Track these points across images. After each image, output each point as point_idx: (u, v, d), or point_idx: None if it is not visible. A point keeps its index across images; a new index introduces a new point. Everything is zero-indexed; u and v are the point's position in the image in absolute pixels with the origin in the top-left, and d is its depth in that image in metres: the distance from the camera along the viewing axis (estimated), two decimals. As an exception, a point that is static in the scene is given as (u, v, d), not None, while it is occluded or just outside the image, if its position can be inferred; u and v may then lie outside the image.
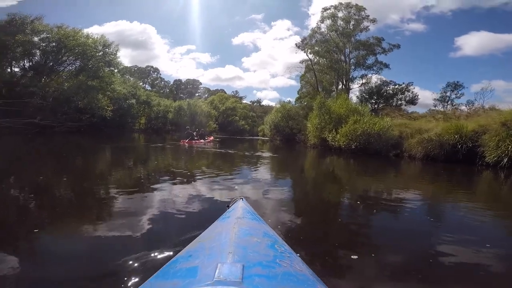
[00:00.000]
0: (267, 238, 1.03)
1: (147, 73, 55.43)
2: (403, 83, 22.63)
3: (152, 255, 1.92)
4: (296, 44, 24.68)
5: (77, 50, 19.63)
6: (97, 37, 21.05)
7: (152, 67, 56.48)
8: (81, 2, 61.87)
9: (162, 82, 58.29)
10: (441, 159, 9.53)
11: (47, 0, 53.11)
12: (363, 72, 23.65)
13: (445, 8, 46.61)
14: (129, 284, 1.56)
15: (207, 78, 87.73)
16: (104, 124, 23.04)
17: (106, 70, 21.73)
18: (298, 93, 34.32)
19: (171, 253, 1.86)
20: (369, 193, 5.13)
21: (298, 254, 1.22)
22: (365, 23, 23.16)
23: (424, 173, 8.40)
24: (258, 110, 59.87)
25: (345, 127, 12.42)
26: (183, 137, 14.86)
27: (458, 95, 23.84)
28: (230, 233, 0.97)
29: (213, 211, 3.01)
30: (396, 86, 22.28)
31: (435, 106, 23.38)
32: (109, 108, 20.78)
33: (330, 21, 23.55)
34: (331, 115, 14.14)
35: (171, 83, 60.00)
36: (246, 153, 12.20)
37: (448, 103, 22.81)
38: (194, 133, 15.36)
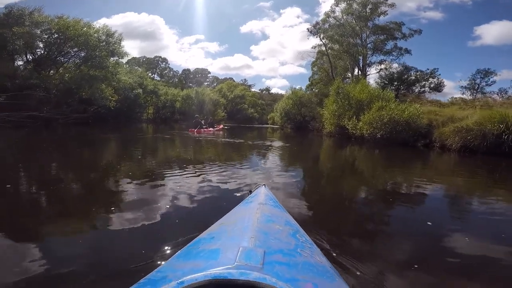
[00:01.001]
0: (289, 227, 1.03)
1: (156, 64, 55.06)
2: (428, 69, 20.94)
3: (175, 241, 1.90)
4: (308, 29, 23.42)
5: (79, 40, 18.78)
6: (99, 27, 20.11)
7: (160, 57, 56.05)
8: None
9: (171, 72, 57.77)
10: (482, 150, 8.37)
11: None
12: (381, 57, 22.15)
13: (466, -4, 43.15)
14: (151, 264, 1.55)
15: (216, 67, 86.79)
16: (112, 115, 22.59)
17: (110, 60, 20.93)
18: (309, 80, 33.03)
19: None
20: (400, 188, 4.48)
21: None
22: (383, 8, 21.52)
23: (461, 166, 7.36)
24: (267, 98, 59.29)
25: (368, 114, 11.24)
26: (191, 126, 14.47)
27: (489, 83, 22.13)
28: (252, 218, 0.96)
29: (230, 202, 2.78)
30: (418, 73, 20.61)
31: (462, 94, 21.71)
32: (114, 99, 20.02)
33: (345, 4, 22.05)
34: (350, 101, 12.92)
35: (180, 73, 59.39)
36: (257, 143, 11.35)
37: (478, 90, 21.08)
38: (203, 122, 14.91)
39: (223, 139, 11.55)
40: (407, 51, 21.64)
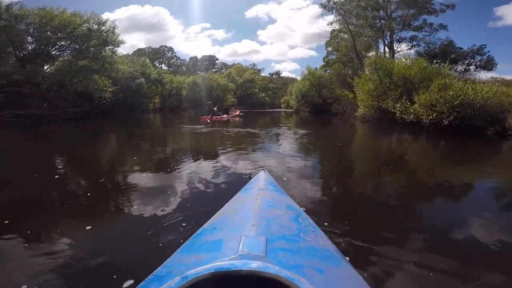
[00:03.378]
0: (291, 211, 1.00)
1: (162, 53, 53.29)
2: (474, 45, 17.48)
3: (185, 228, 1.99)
4: (322, 4, 20.23)
5: (67, 31, 16.78)
6: (88, 16, 17.86)
7: (166, 46, 54.25)
8: None
9: (179, 61, 55.76)
10: None
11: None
12: (412, 33, 18.93)
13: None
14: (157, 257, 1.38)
15: (224, 54, 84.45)
16: (117, 107, 21.33)
17: (106, 50, 18.95)
18: (323, 61, 29.90)
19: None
20: None
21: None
22: None
23: None
24: (278, 81, 57.13)
25: (427, 94, 8.56)
26: (204, 113, 13.21)
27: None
28: (253, 205, 0.94)
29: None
30: (463, 50, 17.30)
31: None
32: (110, 89, 18.11)
33: None
34: (393, 78, 10.26)
35: (188, 61, 56.97)
36: (277, 131, 9.05)
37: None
38: (215, 108, 13.71)
39: (240, 130, 9.25)
40: (443, 27, 18.31)
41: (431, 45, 17.42)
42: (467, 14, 48.60)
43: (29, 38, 17.23)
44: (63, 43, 17.88)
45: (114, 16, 58.16)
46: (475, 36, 50.09)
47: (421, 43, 18.32)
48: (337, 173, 4.25)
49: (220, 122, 12.17)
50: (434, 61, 10.09)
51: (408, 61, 10.48)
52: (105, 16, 35.18)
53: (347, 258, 0.77)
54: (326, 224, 2.21)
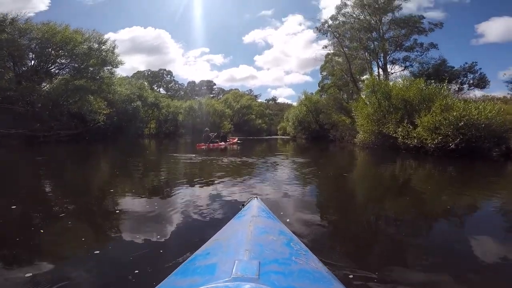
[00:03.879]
0: (283, 236, 1.03)
1: (161, 77, 53.91)
2: (466, 63, 18.01)
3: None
4: (317, 28, 20.92)
5: (68, 48, 16.76)
6: (89, 34, 17.99)
7: (165, 70, 55.10)
8: (94, 11, 61.88)
9: (177, 85, 56.48)
10: None
11: (61, 13, 53.59)
12: (405, 54, 19.58)
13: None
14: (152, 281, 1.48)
15: (222, 79, 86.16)
16: (111, 130, 20.65)
17: (104, 70, 18.86)
18: (319, 86, 30.53)
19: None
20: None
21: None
22: (397, 2, 19.09)
23: None
24: (274, 108, 57.64)
25: (429, 116, 8.26)
26: (202, 140, 13.03)
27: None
28: (246, 231, 0.96)
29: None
30: (455, 68, 17.76)
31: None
32: (105, 112, 17.68)
33: None
34: (392, 101, 10.10)
35: (186, 85, 57.97)
36: (275, 160, 8.47)
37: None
38: (213, 135, 13.57)
39: (227, 158, 8.64)
40: (433, 46, 19.11)
41: (424, 65, 17.74)
42: (451, 34, 50.75)
43: (30, 54, 17.24)
44: (63, 61, 17.77)
45: (117, 37, 59.67)
46: (460, 55, 52.11)
47: (414, 63, 18.80)
48: (338, 205, 3.86)
49: (217, 150, 11.80)
50: (432, 81, 10.05)
51: (406, 82, 10.36)
52: (109, 36, 35.80)
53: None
54: (333, 258, 1.96)
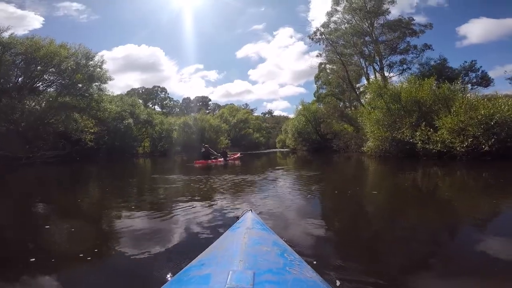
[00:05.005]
0: (277, 247, 1.03)
1: (155, 94, 53.31)
2: (466, 62, 17.55)
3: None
4: (309, 36, 20.63)
5: (53, 63, 15.83)
6: (75, 47, 17.16)
7: (159, 87, 54.71)
8: (88, 29, 62.33)
9: (172, 102, 55.80)
10: None
11: (55, 30, 53.65)
12: (400, 57, 19.43)
13: (438, -3, 42.93)
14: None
15: (217, 95, 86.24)
16: (103, 150, 19.65)
17: (93, 86, 17.88)
18: (314, 96, 29.92)
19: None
20: None
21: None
22: (385, 6, 19.19)
23: None
24: (271, 121, 57.21)
25: (451, 117, 7.29)
26: (200, 157, 12.27)
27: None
28: (240, 242, 0.97)
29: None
30: (456, 68, 17.28)
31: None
32: (92, 130, 16.61)
33: (346, 2, 19.59)
34: (403, 104, 9.20)
35: (181, 102, 57.39)
36: (275, 174, 7.33)
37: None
38: (213, 151, 13.06)
39: (225, 176, 7.49)
40: (428, 47, 19.02)
41: (425, 66, 17.27)
42: (437, 38, 50.63)
43: (15, 70, 16.25)
44: (50, 77, 16.73)
45: (111, 55, 59.64)
46: (450, 58, 53.07)
47: (412, 65, 18.63)
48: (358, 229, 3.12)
49: (216, 166, 10.82)
50: (436, 81, 9.30)
51: (415, 83, 9.51)
52: (103, 53, 34.86)
53: None
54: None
